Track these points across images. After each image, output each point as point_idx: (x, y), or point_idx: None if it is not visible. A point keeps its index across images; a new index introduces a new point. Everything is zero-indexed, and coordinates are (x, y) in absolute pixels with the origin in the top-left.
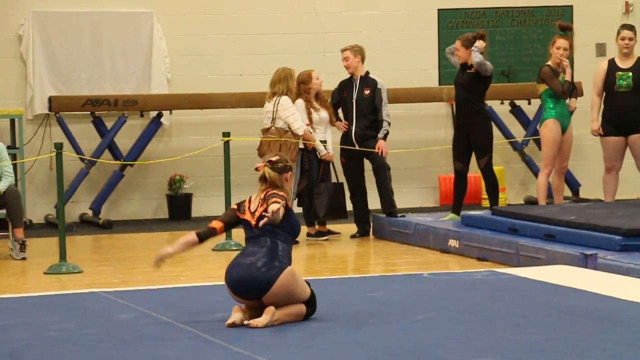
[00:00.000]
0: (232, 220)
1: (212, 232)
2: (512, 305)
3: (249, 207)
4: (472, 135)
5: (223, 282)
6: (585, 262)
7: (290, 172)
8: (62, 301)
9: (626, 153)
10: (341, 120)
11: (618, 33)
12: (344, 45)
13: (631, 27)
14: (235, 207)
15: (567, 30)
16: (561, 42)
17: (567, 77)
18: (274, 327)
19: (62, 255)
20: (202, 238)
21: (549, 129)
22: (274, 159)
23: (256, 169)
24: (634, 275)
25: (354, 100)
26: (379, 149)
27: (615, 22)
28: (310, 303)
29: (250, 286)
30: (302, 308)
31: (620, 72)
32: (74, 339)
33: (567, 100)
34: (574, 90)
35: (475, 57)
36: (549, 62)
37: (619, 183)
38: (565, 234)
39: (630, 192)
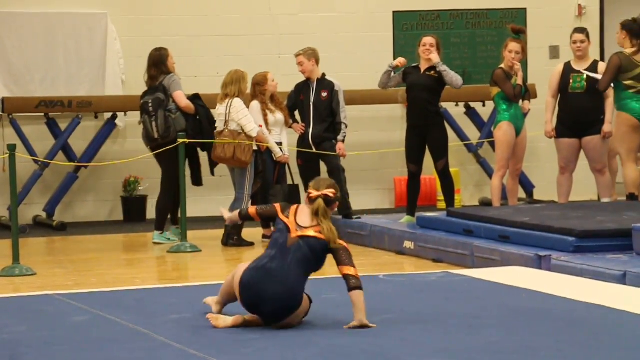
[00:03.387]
0: (270, 216)
1: (250, 218)
2: (467, 306)
3: (296, 216)
4: (429, 137)
5: (178, 284)
6: (540, 263)
7: (337, 203)
8: (15, 304)
9: (580, 155)
10: (298, 122)
11: (571, 37)
12: (299, 47)
13: (582, 30)
14: (279, 208)
15: (519, 34)
16: (513, 46)
17: (519, 81)
18: (230, 332)
19: (15, 258)
20: (242, 218)
21: (502, 131)
22: (330, 193)
23: (309, 197)
24: (587, 276)
25: (311, 103)
26: (339, 150)
27: (568, 25)
28: None
29: (268, 309)
30: None
31: (574, 74)
32: (27, 342)
33: (521, 103)
34: (527, 93)
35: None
36: (502, 65)
37: (572, 184)
38: (520, 235)
39: (584, 193)
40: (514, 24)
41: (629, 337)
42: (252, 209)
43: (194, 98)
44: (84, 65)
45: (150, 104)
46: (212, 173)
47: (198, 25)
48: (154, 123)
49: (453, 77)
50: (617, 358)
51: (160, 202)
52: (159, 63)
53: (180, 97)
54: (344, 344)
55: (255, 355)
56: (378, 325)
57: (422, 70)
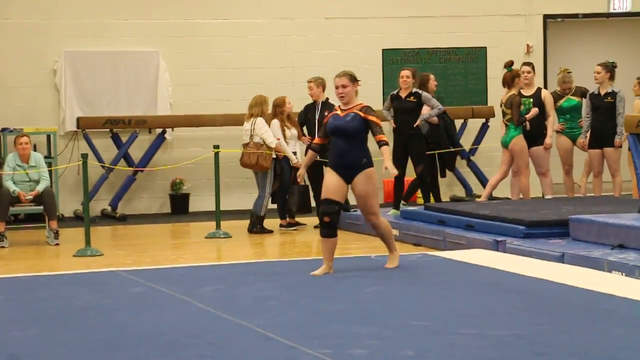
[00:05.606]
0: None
1: (320, 145)
2: (440, 280)
3: (340, 108)
4: (410, 148)
5: (213, 263)
6: (497, 246)
7: (357, 83)
8: (87, 278)
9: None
10: (306, 136)
11: (520, 69)
12: (309, 77)
13: (529, 64)
14: (326, 119)
15: (510, 66)
16: (524, 68)
17: (529, 117)
18: (255, 300)
19: (87, 242)
20: (316, 150)
21: (521, 144)
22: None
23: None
24: (534, 256)
25: (316, 120)
26: None
27: (520, 60)
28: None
29: (347, 167)
30: (389, 230)
31: (523, 99)
32: (96, 308)
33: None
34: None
35: (433, 113)
36: (514, 91)
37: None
38: (482, 224)
39: (531, 192)
40: (508, 60)
41: (566, 303)
42: (317, 140)
43: (441, 113)
44: (140, 91)
45: None
46: (452, 169)
47: (229, 61)
48: None
49: (436, 113)
50: (556, 320)
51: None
52: (421, 84)
53: (424, 110)
54: (344, 308)
55: (274, 318)
56: (370, 295)
57: (404, 97)
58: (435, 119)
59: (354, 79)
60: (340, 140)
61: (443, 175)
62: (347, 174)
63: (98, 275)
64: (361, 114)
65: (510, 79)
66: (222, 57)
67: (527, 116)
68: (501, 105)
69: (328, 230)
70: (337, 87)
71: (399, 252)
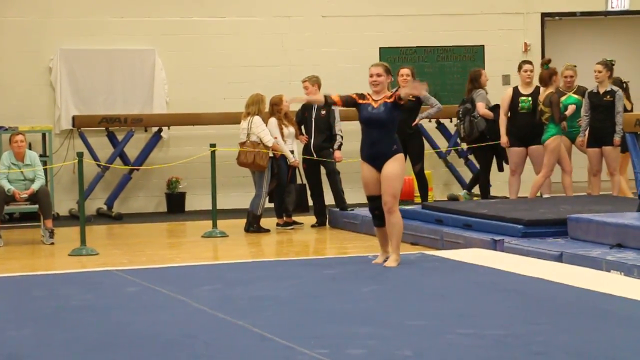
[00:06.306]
0: (350, 103)
1: (334, 103)
2: (438, 280)
3: (372, 98)
4: (408, 146)
5: (210, 262)
6: (495, 245)
7: (390, 76)
8: (83, 277)
9: (526, 160)
10: (303, 135)
11: (520, 67)
12: (306, 75)
13: (531, 62)
14: (356, 96)
15: (547, 64)
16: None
17: (568, 113)
18: (251, 299)
19: (82, 241)
20: (326, 101)
21: (556, 143)
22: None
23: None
24: (532, 256)
25: (313, 119)
26: (336, 157)
27: (517, 58)
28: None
29: (379, 155)
30: (400, 229)
31: (522, 97)
32: (91, 307)
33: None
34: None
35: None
36: (551, 89)
37: (521, 184)
38: (480, 223)
39: (529, 191)
40: (545, 58)
41: (564, 303)
42: (336, 97)
43: (494, 108)
44: (136, 89)
45: (460, 112)
46: (501, 168)
47: (226, 59)
48: (461, 126)
49: (435, 111)
50: (554, 319)
51: (481, 177)
52: (473, 79)
53: (479, 107)
54: (341, 309)
55: (270, 318)
56: (367, 294)
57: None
58: (491, 114)
59: (388, 71)
60: (373, 130)
61: (500, 170)
62: (379, 163)
63: (94, 275)
64: (393, 99)
65: (547, 76)
66: (219, 55)
67: (566, 113)
68: (538, 104)
69: (380, 220)
70: (371, 75)
71: (400, 260)
